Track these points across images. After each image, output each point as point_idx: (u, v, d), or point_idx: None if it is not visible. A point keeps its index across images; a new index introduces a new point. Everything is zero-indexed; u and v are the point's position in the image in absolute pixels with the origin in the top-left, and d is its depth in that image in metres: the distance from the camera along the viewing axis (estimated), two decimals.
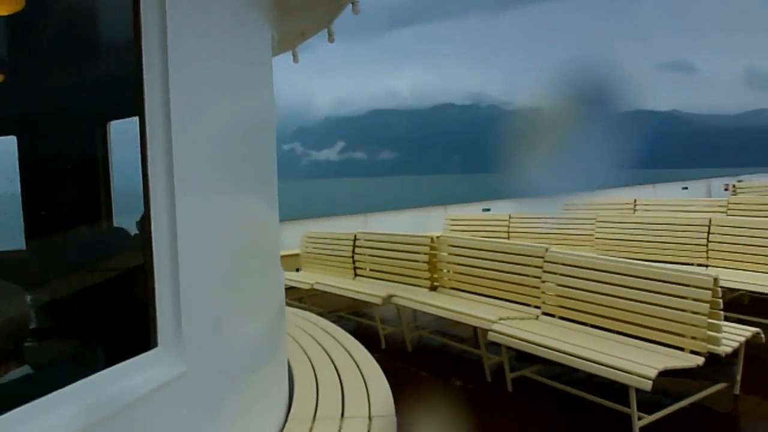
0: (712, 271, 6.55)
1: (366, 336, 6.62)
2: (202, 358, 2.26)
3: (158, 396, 2.02)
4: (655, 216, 8.61)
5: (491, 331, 4.93)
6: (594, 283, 4.89)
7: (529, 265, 5.52)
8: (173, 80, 2.04)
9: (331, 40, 4.59)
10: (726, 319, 4.31)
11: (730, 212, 9.04)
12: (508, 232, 9.05)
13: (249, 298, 2.77)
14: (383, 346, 6.38)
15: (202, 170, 2.27)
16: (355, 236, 7.69)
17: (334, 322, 7.41)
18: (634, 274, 4.62)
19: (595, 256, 5.01)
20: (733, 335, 4.46)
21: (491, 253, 5.97)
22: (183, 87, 2.10)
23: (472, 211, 11.83)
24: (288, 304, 8.20)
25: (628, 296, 4.62)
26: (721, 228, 6.80)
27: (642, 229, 7.57)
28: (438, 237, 6.67)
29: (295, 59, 5.14)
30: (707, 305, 4.16)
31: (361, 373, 4.01)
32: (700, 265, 6.91)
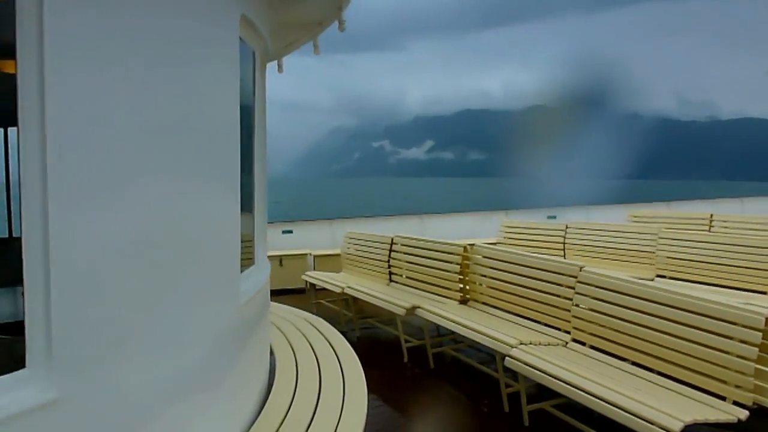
0: None
1: (389, 348, 6.26)
2: (86, 383, 1.95)
3: (16, 424, 1.73)
4: (732, 235, 7.72)
5: (508, 356, 4.43)
6: (628, 311, 4.29)
7: (561, 285, 4.95)
8: (50, 84, 1.77)
9: (316, 52, 4.92)
10: None
11: None
12: (564, 243, 8.38)
13: (174, 311, 2.44)
14: (405, 359, 5.96)
15: (94, 169, 1.97)
16: (392, 240, 7.30)
17: (362, 329, 7.16)
18: (675, 305, 3.99)
19: (631, 280, 4.37)
20: None
21: (523, 268, 5.42)
22: (67, 88, 1.82)
23: (536, 218, 11.17)
24: (320, 307, 8.05)
25: (666, 330, 4.01)
26: None
27: (710, 249, 6.74)
28: (472, 246, 6.15)
29: (280, 69, 5.35)
30: (756, 349, 3.50)
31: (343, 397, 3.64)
32: None
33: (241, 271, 3.21)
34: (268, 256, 9.58)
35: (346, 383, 3.88)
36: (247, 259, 3.78)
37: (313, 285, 7.81)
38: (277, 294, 9.22)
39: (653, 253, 7.25)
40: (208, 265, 2.69)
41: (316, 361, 4.34)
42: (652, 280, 7.05)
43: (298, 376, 3.99)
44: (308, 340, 4.78)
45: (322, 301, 8.17)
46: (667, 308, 4.02)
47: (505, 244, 9.03)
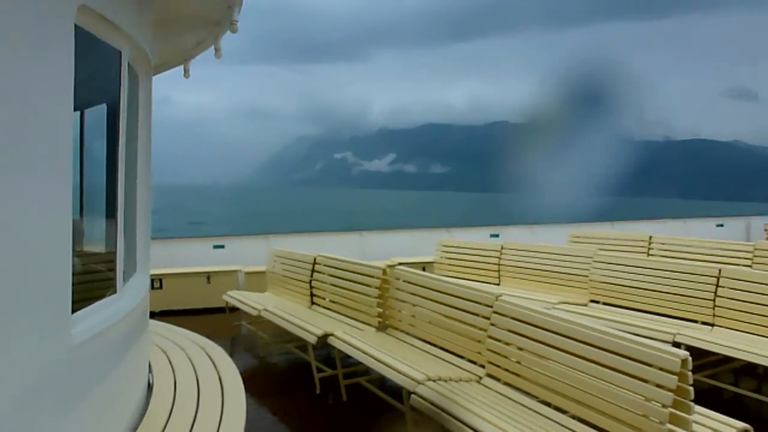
0: (717, 333, 5.55)
1: (304, 376, 5.80)
2: None
3: None
4: (668, 260, 7.51)
5: (414, 394, 4.03)
6: (542, 345, 3.94)
7: (477, 315, 4.58)
8: None
9: (217, 55, 4.65)
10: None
11: (756, 260, 7.86)
12: (499, 265, 8.06)
13: None
14: (318, 391, 5.52)
15: None
16: (315, 260, 6.87)
17: (280, 354, 6.70)
18: (589, 341, 3.65)
19: (544, 314, 4.02)
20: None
21: (440, 294, 5.05)
22: None
23: (478, 237, 10.86)
24: (240, 329, 7.60)
25: (580, 368, 3.66)
26: (731, 281, 5.71)
27: (645, 273, 6.48)
28: (391, 268, 5.77)
29: (186, 74, 5.16)
30: (671, 395, 3.16)
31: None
32: (705, 323, 5.84)
33: (93, 302, 2.76)
34: (195, 273, 9.10)
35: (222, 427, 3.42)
36: (103, 288, 3.30)
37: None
38: (201, 313, 8.73)
39: (587, 276, 6.97)
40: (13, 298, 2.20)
41: (197, 393, 3.89)
42: (586, 305, 6.78)
43: (171, 416, 3.53)
44: (195, 371, 4.31)
45: (243, 322, 7.69)
46: (580, 344, 3.67)
47: (442, 264, 8.67)
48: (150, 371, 4.26)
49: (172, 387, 3.98)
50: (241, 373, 6.19)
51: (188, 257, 9.57)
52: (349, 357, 5.13)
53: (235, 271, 9.31)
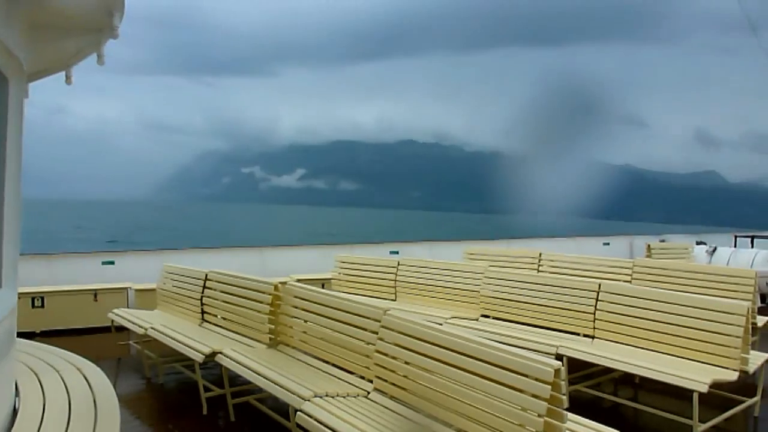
0: (598, 345, 5.82)
1: (192, 397, 5.61)
2: None
3: None
4: (554, 276, 7.83)
5: (300, 411, 3.97)
6: (426, 359, 3.99)
7: (366, 329, 4.59)
8: None
9: (99, 62, 4.46)
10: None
11: (635, 276, 8.35)
12: (395, 281, 8.13)
13: None
14: (205, 411, 5.35)
15: None
16: (206, 276, 6.68)
17: (168, 374, 6.46)
18: (471, 354, 3.72)
19: (430, 328, 4.08)
20: None
21: (332, 310, 5.03)
22: None
23: (378, 253, 10.93)
24: (127, 349, 7.29)
25: (464, 382, 3.72)
26: (610, 295, 6.02)
27: (532, 289, 6.72)
28: (284, 284, 5.70)
29: (68, 80, 4.90)
30: (544, 404, 3.27)
31: None
32: (586, 336, 6.12)
33: None
34: (81, 291, 8.63)
35: None
36: None
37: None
38: (87, 333, 8.30)
39: (479, 292, 7.15)
40: None
41: (67, 418, 3.66)
42: (477, 320, 6.95)
43: None
44: (68, 394, 4.06)
45: (131, 342, 7.36)
46: (463, 357, 3.74)
47: (340, 280, 8.65)
48: (17, 395, 3.99)
49: (40, 412, 3.73)
50: (127, 396, 5.94)
51: (74, 274, 9.08)
52: (239, 375, 5.00)
53: (125, 289, 8.92)
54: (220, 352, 5.16)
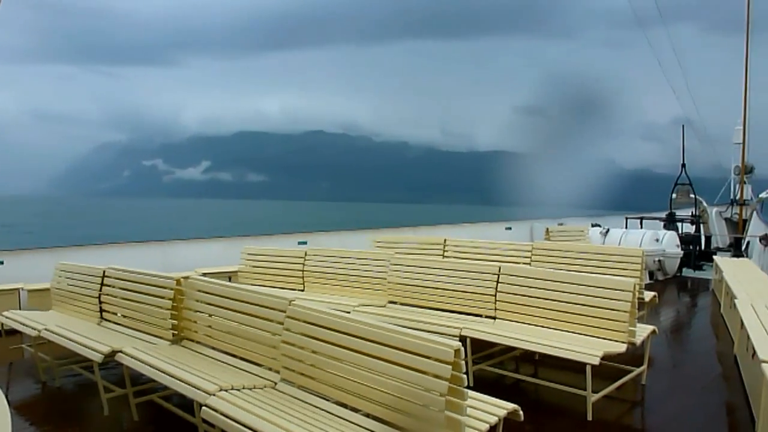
0: (499, 326, 6.04)
1: (89, 400, 5.38)
2: None
3: None
4: (459, 260, 8.05)
5: (205, 406, 3.91)
6: (333, 347, 4.03)
7: (272, 320, 4.57)
8: None
9: None
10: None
11: (534, 258, 8.73)
12: (303, 271, 8.11)
13: None
14: (106, 412, 5.15)
15: None
16: (104, 272, 6.41)
17: (66, 377, 6.17)
18: (376, 340, 3.79)
19: (336, 316, 4.12)
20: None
21: (237, 302, 4.97)
22: None
23: (287, 244, 10.83)
24: (20, 352, 6.89)
25: (370, 367, 3.78)
26: (509, 277, 6.27)
27: (437, 274, 6.90)
28: (186, 279, 5.56)
29: None
30: (446, 383, 3.37)
31: None
32: (488, 317, 6.35)
33: None
34: None
35: None
36: None
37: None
38: None
39: (386, 279, 7.26)
40: None
41: None
42: (384, 306, 7.05)
43: None
44: None
45: (24, 345, 6.96)
46: (369, 343, 3.81)
47: (247, 272, 8.54)
48: None
49: None
50: (20, 402, 5.63)
51: None
52: (142, 374, 4.84)
53: (16, 290, 8.39)
54: (121, 351, 4.97)
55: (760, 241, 13.95)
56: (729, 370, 6.69)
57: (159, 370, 4.48)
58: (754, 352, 4.96)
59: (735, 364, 6.74)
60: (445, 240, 9.73)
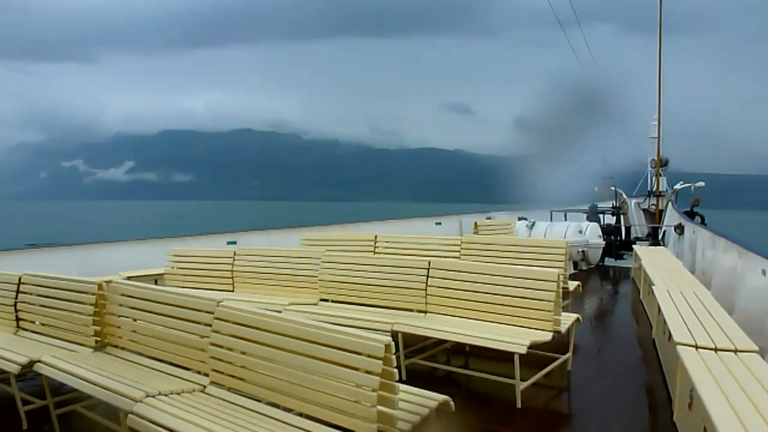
0: (430, 319, 6.12)
1: (6, 414, 5.10)
2: None
3: None
4: (390, 256, 8.10)
5: (131, 413, 3.79)
6: (262, 347, 3.98)
7: (199, 323, 4.47)
8: None
9: None
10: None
11: (463, 252, 8.89)
12: (232, 271, 7.97)
13: None
14: (25, 426, 4.91)
15: None
16: (20, 279, 6.11)
17: None
18: (307, 338, 3.77)
19: (265, 316, 4.07)
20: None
21: (163, 306, 4.83)
22: None
23: (215, 244, 10.60)
24: None
25: (302, 366, 3.75)
26: (439, 272, 6.36)
27: (368, 270, 6.91)
28: (110, 283, 5.37)
29: None
30: (378, 378, 3.39)
31: None
32: (420, 311, 6.42)
33: None
34: None
35: None
36: None
37: None
38: None
39: (317, 276, 7.23)
40: None
41: None
42: (316, 304, 7.02)
43: None
44: None
45: None
46: (299, 342, 3.78)
47: (174, 274, 8.32)
48: None
49: None
50: None
51: None
52: (64, 384, 4.64)
53: None
54: (39, 361, 4.74)
55: (675, 230, 14.71)
56: (648, 353, 7.02)
57: (81, 379, 4.30)
58: (670, 336, 5.22)
59: (653, 347, 7.07)
60: (376, 236, 9.77)
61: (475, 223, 12.41)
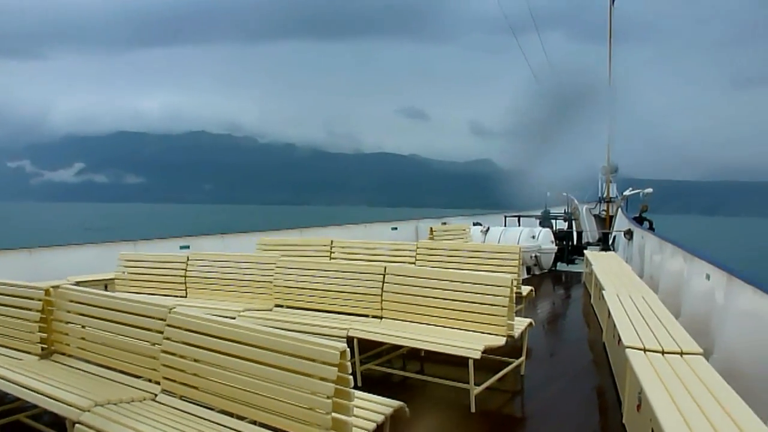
0: (385, 325, 6.12)
1: None
2: None
3: None
4: (344, 261, 8.09)
5: (78, 423, 3.68)
6: (215, 354, 3.92)
7: (150, 330, 4.38)
8: None
9: None
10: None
11: (419, 257, 8.94)
12: (185, 277, 7.83)
13: None
14: None
15: None
16: None
17: None
18: (260, 345, 3.73)
19: (218, 323, 4.01)
20: None
21: (113, 312, 4.71)
22: None
23: (167, 249, 10.39)
24: None
25: (255, 373, 3.71)
26: (394, 277, 6.38)
27: (323, 276, 6.89)
28: (57, 288, 5.22)
29: None
30: (332, 386, 3.38)
31: None
32: (375, 317, 6.42)
33: None
34: None
35: None
36: None
37: None
38: None
39: (272, 282, 7.16)
40: None
41: None
42: (271, 310, 6.96)
43: None
44: None
45: None
46: (253, 349, 3.74)
47: (124, 280, 8.12)
48: None
49: None
50: None
51: None
52: (7, 393, 4.47)
53: None
54: None
55: (624, 235, 15.11)
56: (599, 356, 7.18)
57: (25, 387, 4.16)
58: (620, 339, 5.36)
59: (604, 350, 7.24)
60: (332, 241, 9.75)
61: (431, 229, 12.50)
